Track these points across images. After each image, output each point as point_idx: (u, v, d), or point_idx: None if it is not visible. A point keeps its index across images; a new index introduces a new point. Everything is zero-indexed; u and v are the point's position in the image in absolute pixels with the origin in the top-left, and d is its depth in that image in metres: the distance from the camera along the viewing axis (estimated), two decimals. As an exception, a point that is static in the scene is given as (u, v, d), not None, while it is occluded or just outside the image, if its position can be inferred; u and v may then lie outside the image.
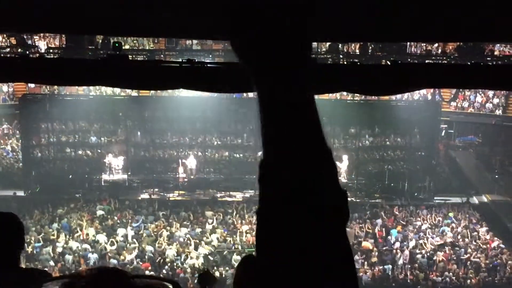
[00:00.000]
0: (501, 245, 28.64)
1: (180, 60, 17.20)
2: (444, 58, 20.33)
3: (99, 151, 35.71)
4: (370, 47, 20.67)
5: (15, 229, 4.55)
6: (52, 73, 15.15)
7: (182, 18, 8.43)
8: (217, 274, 24.34)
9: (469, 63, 17.94)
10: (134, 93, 34.50)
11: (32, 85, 36.41)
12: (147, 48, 25.12)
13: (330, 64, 17.78)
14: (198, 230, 28.44)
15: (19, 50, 20.88)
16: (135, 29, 12.13)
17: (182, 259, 26.06)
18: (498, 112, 41.07)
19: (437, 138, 38.35)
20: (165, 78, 15.33)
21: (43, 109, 34.39)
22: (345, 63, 18.23)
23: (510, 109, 40.93)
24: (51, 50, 22.00)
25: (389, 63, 16.94)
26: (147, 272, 24.45)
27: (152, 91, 33.59)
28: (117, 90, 34.36)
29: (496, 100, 41.13)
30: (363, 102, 34.09)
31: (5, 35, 26.98)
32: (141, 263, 25.55)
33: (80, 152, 35.92)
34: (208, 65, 15.71)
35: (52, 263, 25.60)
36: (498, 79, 15.55)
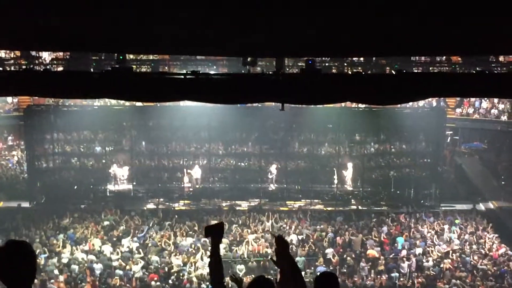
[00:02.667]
0: (509, 252, 28.53)
1: (184, 71, 17.18)
2: (449, 65, 20.25)
3: (104, 161, 35.72)
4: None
5: (28, 258, 4.50)
6: (56, 87, 15.15)
7: (186, 35, 8.43)
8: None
9: (473, 71, 17.94)
10: (138, 102, 34.50)
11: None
12: (151, 58, 25.04)
13: (334, 74, 17.78)
14: (204, 239, 28.33)
15: (23, 62, 20.91)
16: (141, 46, 12.12)
17: (188, 269, 25.96)
18: (504, 118, 40.96)
19: (443, 144, 38.25)
20: (170, 90, 15.33)
21: (47, 119, 34.45)
22: (349, 72, 18.24)
23: (516, 115, 40.84)
24: (55, 62, 21.94)
25: (394, 72, 16.92)
26: (153, 283, 24.40)
27: (157, 101, 33.61)
28: (122, 101, 34.39)
29: (501, 106, 41.03)
30: (368, 109, 34.05)
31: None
32: (147, 273, 25.46)
33: (85, 162, 35.90)
34: (213, 76, 15.70)
35: (57, 272, 25.56)
36: (504, 87, 15.47)
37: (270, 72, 15.77)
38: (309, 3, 7.06)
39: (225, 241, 28.18)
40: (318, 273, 6.18)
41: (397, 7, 7.22)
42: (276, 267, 6.37)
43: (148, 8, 7.16)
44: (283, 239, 6.26)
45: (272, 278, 5.87)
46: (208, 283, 24.66)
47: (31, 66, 18.82)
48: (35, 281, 23.53)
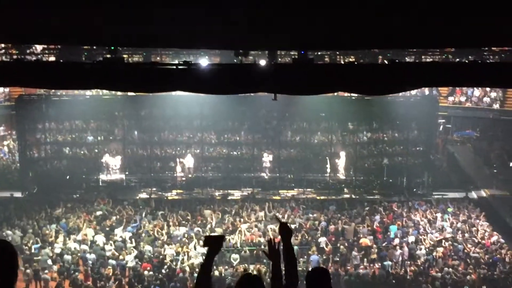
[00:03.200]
0: (501, 240, 28.62)
1: (176, 61, 17.11)
2: (441, 54, 20.21)
3: (96, 150, 35.64)
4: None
5: (8, 258, 4.31)
6: (47, 78, 15.04)
7: (176, 30, 8.39)
8: (216, 273, 24.36)
9: (466, 61, 17.92)
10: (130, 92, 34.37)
11: (28, 86, 36.29)
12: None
13: (327, 64, 17.73)
14: (197, 229, 28.33)
15: (14, 51, 20.75)
16: (134, 40, 12.05)
17: (181, 259, 25.96)
18: (496, 106, 41.04)
19: (435, 133, 38.39)
20: (162, 81, 15.25)
21: (39, 109, 34.33)
22: (341, 62, 18.18)
23: (508, 103, 40.91)
24: (46, 52, 21.76)
25: (386, 62, 16.88)
26: (146, 273, 24.39)
27: (149, 90, 33.48)
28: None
29: (493, 94, 41.08)
30: (361, 98, 33.97)
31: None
32: (140, 263, 25.44)
33: (77, 151, 35.80)
34: (205, 66, 15.62)
35: (50, 262, 25.53)
36: (496, 77, 15.47)
37: (262, 63, 15.73)
38: (309, 3, 7.03)
39: (218, 230, 28.20)
40: (310, 269, 6.13)
41: (396, 6, 7.19)
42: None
43: (141, 5, 7.12)
44: (288, 226, 6.24)
45: (262, 269, 5.89)
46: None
47: (23, 56, 18.68)
48: (28, 271, 23.57)
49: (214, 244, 5.85)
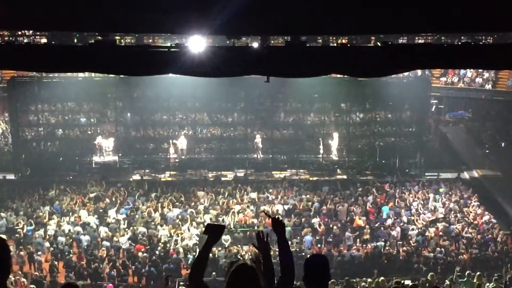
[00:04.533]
0: (492, 220, 28.82)
1: (168, 44, 17.04)
2: (433, 36, 20.18)
3: (89, 132, 35.58)
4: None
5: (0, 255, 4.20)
6: (39, 61, 14.97)
7: (170, 15, 8.36)
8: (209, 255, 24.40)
9: (459, 43, 17.93)
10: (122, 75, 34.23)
11: (19, 68, 36.10)
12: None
13: (319, 46, 17.69)
14: (190, 210, 28.39)
15: (5, 33, 20.61)
16: (124, 26, 12.01)
17: (175, 240, 26.04)
18: (488, 86, 41.14)
19: (428, 113, 38.53)
20: (154, 63, 15.20)
21: (31, 91, 34.18)
22: (334, 44, 18.14)
23: (500, 84, 41.01)
24: (38, 34, 21.63)
25: (379, 44, 16.86)
26: (140, 254, 24.48)
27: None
28: (106, 73, 34.15)
29: (486, 75, 41.14)
30: (353, 79, 33.80)
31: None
32: (133, 245, 25.52)
33: (70, 133, 35.77)
34: (197, 49, 15.57)
35: (48, 244, 25.59)
36: (489, 59, 15.47)
37: (255, 45, 15.70)
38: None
39: (212, 212, 28.27)
40: (309, 256, 6.13)
41: None
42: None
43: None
44: (280, 220, 6.27)
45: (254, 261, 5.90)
46: (194, 253, 24.80)
47: (13, 39, 18.59)
48: (22, 253, 23.62)
49: (214, 232, 5.87)
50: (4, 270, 4.20)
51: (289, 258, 5.93)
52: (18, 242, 25.50)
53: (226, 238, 26.33)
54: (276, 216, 6.67)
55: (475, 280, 20.43)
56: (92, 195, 30.19)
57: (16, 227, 26.54)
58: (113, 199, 29.64)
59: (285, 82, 31.28)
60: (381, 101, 36.26)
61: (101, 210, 28.53)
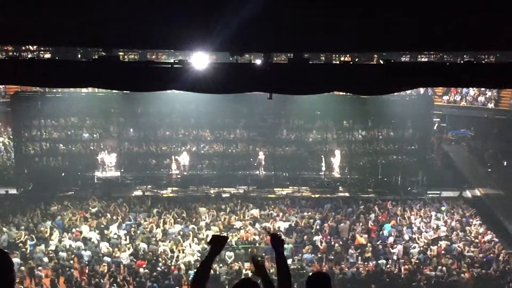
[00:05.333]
0: (495, 239, 28.73)
1: (172, 60, 17.13)
2: (436, 54, 20.22)
3: (92, 147, 35.58)
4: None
5: (4, 267, 4.18)
6: (42, 76, 15.04)
7: (174, 31, 8.42)
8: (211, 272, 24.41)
9: (462, 61, 17.95)
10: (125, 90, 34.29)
11: (23, 83, 36.20)
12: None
13: (322, 64, 17.74)
14: (192, 226, 28.39)
15: (10, 49, 20.72)
16: (127, 42, 12.08)
17: (176, 256, 26.00)
18: (490, 105, 41.11)
19: (430, 132, 38.50)
20: (157, 79, 15.26)
21: (35, 106, 34.20)
22: (337, 62, 18.21)
23: (503, 102, 40.97)
24: (41, 49, 21.72)
25: (382, 62, 16.92)
26: (141, 270, 24.45)
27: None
28: (109, 89, 34.24)
29: (488, 93, 41.16)
30: (356, 96, 33.80)
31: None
32: (135, 260, 25.49)
33: (72, 148, 35.76)
34: (200, 65, 15.63)
35: (45, 260, 25.56)
36: (491, 78, 15.53)
37: (258, 62, 15.76)
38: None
39: (214, 228, 28.24)
40: (311, 273, 6.12)
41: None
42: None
43: (137, 8, 7.15)
44: (279, 237, 6.30)
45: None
46: (195, 269, 24.76)
47: (17, 54, 18.66)
48: (22, 268, 23.58)
49: (217, 243, 5.91)
50: (8, 285, 4.15)
51: (286, 272, 5.94)
52: (20, 257, 25.49)
53: (229, 255, 26.31)
54: (276, 233, 6.71)
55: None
56: (93, 210, 30.20)
57: (18, 242, 26.58)
58: (115, 214, 29.63)
59: (287, 99, 31.35)
60: (384, 119, 36.22)
61: (102, 226, 28.51)
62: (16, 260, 24.51)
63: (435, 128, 42.03)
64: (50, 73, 15.15)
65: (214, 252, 5.83)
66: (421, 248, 27.49)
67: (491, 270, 26.03)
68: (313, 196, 34.19)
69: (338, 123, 36.85)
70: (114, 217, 29.38)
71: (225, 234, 27.18)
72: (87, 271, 24.61)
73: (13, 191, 32.96)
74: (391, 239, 28.34)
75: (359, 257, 27.23)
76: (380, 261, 26.63)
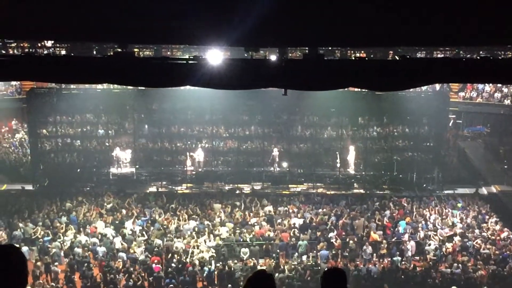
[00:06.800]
0: (511, 236, 28.51)
1: (187, 56, 17.14)
2: (452, 50, 20.12)
3: (107, 144, 35.72)
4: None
5: (17, 265, 4.12)
6: (58, 72, 15.06)
7: (190, 26, 8.42)
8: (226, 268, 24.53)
9: (478, 57, 17.86)
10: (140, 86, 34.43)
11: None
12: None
13: (337, 60, 17.70)
14: (207, 223, 28.43)
15: (26, 45, 20.85)
16: (142, 37, 12.10)
17: (191, 252, 26.03)
18: (507, 102, 40.88)
19: (446, 128, 38.28)
20: (172, 75, 15.27)
21: (50, 102, 34.40)
22: (352, 58, 18.17)
23: (519, 99, 40.75)
24: (57, 45, 21.83)
25: (397, 58, 16.84)
26: (153, 266, 24.54)
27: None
28: (124, 85, 34.36)
29: (505, 90, 40.91)
30: (371, 93, 33.65)
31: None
32: (149, 256, 25.55)
33: (88, 144, 35.93)
34: (215, 61, 15.62)
35: (62, 255, 25.69)
36: (508, 74, 15.40)
37: (273, 58, 15.73)
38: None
39: (228, 225, 28.25)
40: (326, 269, 5.99)
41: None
42: None
43: (153, 3, 7.15)
44: None
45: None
46: (210, 266, 24.83)
47: (34, 50, 18.78)
48: (39, 263, 23.74)
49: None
50: (22, 281, 4.14)
51: None
52: (36, 252, 25.69)
53: (244, 251, 26.31)
54: None
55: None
56: (108, 206, 30.32)
57: (34, 237, 26.76)
58: (130, 210, 29.72)
59: (302, 95, 31.31)
60: (399, 116, 36.11)
61: (117, 222, 28.61)
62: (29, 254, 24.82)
63: (450, 124, 41.84)
64: (66, 69, 15.18)
65: None
66: (437, 245, 27.34)
67: (507, 267, 25.84)
68: (328, 192, 34.11)
69: (353, 119, 36.75)
70: (130, 213, 29.46)
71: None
72: (102, 267, 24.70)
73: (29, 187, 33.19)
74: (406, 236, 28.21)
75: (374, 254, 27.13)
76: (395, 258, 26.52)
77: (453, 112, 41.00)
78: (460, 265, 25.61)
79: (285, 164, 35.99)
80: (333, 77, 15.39)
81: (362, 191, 34.65)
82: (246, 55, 15.87)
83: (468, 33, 9.05)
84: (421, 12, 7.84)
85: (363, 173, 35.99)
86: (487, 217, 30.49)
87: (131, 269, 24.50)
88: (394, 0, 7.18)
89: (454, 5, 7.61)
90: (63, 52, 21.06)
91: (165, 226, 28.16)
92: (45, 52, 20.23)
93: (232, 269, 24.67)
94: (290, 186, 35.03)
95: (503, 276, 25.30)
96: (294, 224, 28.72)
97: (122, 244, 26.48)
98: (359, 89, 33.56)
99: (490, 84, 40.83)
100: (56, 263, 24.99)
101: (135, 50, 19.51)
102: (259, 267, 24.60)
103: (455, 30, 8.75)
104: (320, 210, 30.64)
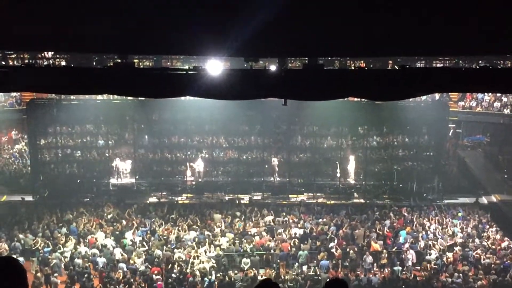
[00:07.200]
0: (511, 246, 28.47)
1: (186, 66, 17.18)
2: (451, 60, 20.15)
3: (107, 154, 35.72)
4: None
5: (16, 275, 4.13)
6: (58, 83, 15.12)
7: (188, 38, 8.44)
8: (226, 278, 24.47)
9: (477, 67, 17.87)
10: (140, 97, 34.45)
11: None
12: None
13: (337, 70, 17.73)
14: (207, 233, 28.40)
15: (26, 56, 20.86)
16: (142, 48, 12.14)
17: (191, 263, 25.98)
18: (507, 111, 40.87)
19: (445, 138, 38.28)
20: (172, 85, 15.30)
21: (50, 113, 34.41)
22: (352, 68, 18.19)
23: (519, 108, 40.76)
24: (57, 56, 21.87)
25: (397, 67, 16.86)
26: (155, 277, 24.48)
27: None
28: (124, 96, 34.41)
29: (504, 99, 40.93)
30: (371, 102, 33.68)
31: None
32: (150, 267, 25.51)
33: (88, 155, 35.92)
34: (215, 72, 15.65)
35: (62, 266, 25.65)
36: (507, 83, 15.41)
37: (273, 68, 15.76)
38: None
39: (229, 235, 28.21)
40: (328, 280, 5.97)
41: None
42: None
43: (153, 14, 7.18)
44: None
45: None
46: (210, 277, 24.77)
47: (34, 61, 18.80)
48: (39, 274, 23.69)
49: None
50: None
51: None
52: (36, 263, 25.65)
53: (245, 261, 26.26)
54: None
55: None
56: (109, 217, 30.31)
57: (34, 249, 26.73)
58: (130, 221, 29.68)
59: (302, 105, 31.35)
60: (399, 125, 36.13)
61: (117, 232, 28.56)
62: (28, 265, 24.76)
63: (450, 134, 41.84)
64: (66, 80, 15.21)
65: None
66: (437, 255, 27.30)
67: (508, 277, 25.79)
68: (328, 202, 34.09)
69: (353, 129, 36.73)
70: (130, 224, 29.42)
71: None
72: (102, 278, 24.64)
73: (29, 198, 33.17)
74: (406, 246, 28.17)
75: (374, 264, 27.09)
76: (395, 268, 26.47)
77: (453, 121, 40.98)
78: (461, 274, 25.59)
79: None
80: (332, 87, 15.43)
81: (362, 200, 34.63)
82: (245, 65, 15.87)
83: (468, 34, 9.05)
84: (421, 12, 7.87)
85: (363, 182, 35.95)
86: (487, 226, 30.46)
87: (131, 280, 24.45)
88: (394, 9, 7.19)
89: (454, 5, 7.63)
90: (63, 63, 21.09)
91: (165, 237, 28.13)
92: (45, 63, 20.25)
93: (233, 279, 24.62)
94: (290, 196, 35.02)
95: (504, 286, 25.26)
96: (294, 234, 28.70)
97: (122, 255, 26.43)
98: (359, 99, 33.64)
99: (490, 94, 40.83)
100: (56, 274, 24.95)
101: (135, 60, 19.48)
102: (259, 278, 24.57)
103: (455, 30, 8.76)
104: (320, 220, 30.61)
